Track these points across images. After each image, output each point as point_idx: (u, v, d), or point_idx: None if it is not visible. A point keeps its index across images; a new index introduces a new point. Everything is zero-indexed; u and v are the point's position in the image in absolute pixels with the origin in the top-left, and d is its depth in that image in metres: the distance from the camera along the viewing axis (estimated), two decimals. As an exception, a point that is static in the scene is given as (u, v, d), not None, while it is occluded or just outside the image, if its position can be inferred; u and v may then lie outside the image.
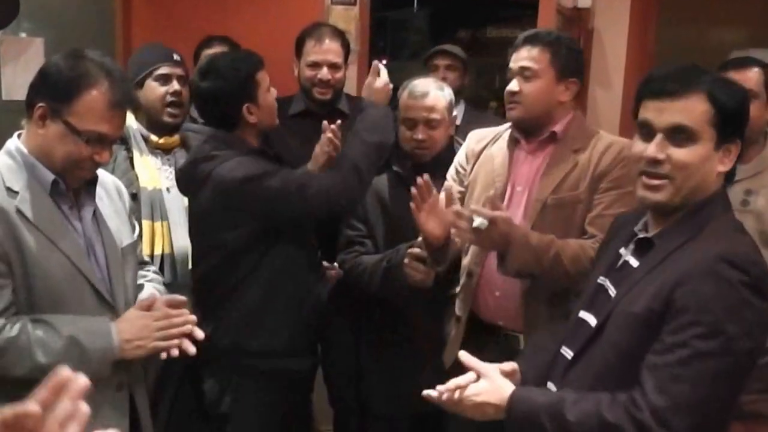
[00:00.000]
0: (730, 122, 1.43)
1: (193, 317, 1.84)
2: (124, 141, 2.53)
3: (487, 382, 1.54)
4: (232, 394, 2.32)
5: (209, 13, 3.56)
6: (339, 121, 2.55)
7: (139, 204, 2.42)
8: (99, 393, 1.72)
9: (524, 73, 2.15)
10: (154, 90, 2.54)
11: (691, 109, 1.42)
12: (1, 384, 1.61)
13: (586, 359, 1.52)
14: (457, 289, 2.33)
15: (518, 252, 1.98)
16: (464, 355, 1.59)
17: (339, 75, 2.89)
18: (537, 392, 1.53)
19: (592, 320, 1.54)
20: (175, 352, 1.78)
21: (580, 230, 2.11)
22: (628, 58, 3.55)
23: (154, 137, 2.56)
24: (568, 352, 1.58)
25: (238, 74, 2.25)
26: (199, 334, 1.82)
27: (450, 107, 2.51)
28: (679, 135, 1.42)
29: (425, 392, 1.57)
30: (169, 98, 2.53)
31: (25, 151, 1.69)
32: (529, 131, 2.22)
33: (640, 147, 1.48)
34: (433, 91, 2.47)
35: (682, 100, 1.42)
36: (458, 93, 3.31)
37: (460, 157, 2.43)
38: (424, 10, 5.94)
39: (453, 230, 2.09)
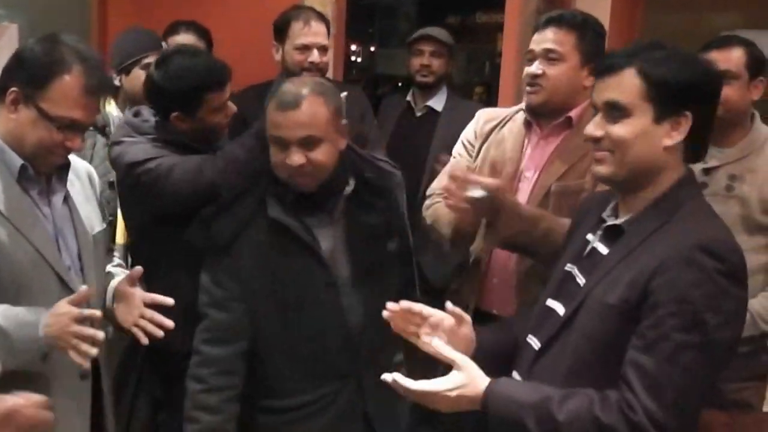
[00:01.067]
0: (670, 95, 1.42)
1: (98, 314, 1.71)
2: (104, 128, 2.51)
3: (463, 375, 1.47)
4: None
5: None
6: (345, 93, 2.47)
7: (116, 192, 2.39)
8: (63, 382, 1.71)
9: (549, 56, 2.07)
10: (141, 78, 2.47)
11: (622, 85, 1.43)
12: None
13: (557, 350, 1.49)
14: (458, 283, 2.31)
15: (508, 220, 1.92)
16: (437, 344, 1.53)
17: (326, 58, 2.88)
18: (515, 387, 1.48)
19: (561, 309, 1.52)
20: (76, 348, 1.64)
21: None
22: (611, 40, 3.50)
23: None
24: (535, 342, 1.55)
25: (181, 84, 2.08)
26: (99, 335, 1.64)
27: (338, 112, 1.88)
28: (614, 111, 1.44)
29: (393, 376, 1.48)
30: None
31: None
32: (545, 116, 2.15)
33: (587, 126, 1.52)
34: (310, 98, 1.81)
35: (614, 77, 1.44)
36: (442, 80, 3.39)
37: (467, 134, 2.35)
38: None
39: (445, 199, 2.00)
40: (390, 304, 1.61)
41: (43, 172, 1.73)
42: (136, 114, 2.24)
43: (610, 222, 1.52)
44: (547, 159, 2.14)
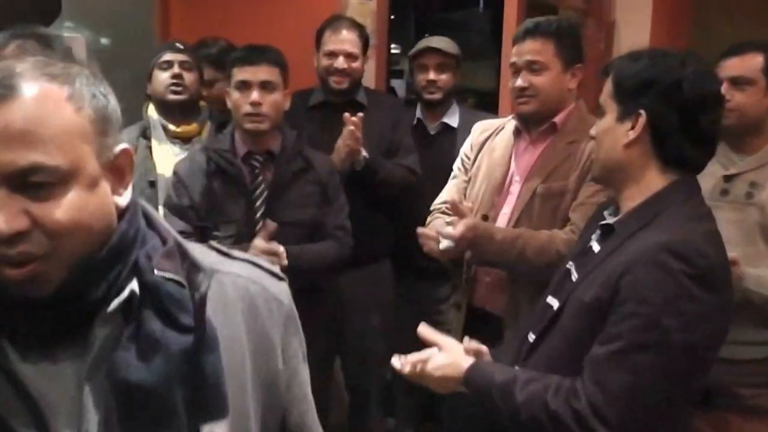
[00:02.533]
0: (626, 93, 1.49)
1: None
2: (145, 131, 2.72)
3: (446, 356, 1.60)
4: None
5: (238, 9, 3.71)
6: (360, 114, 2.66)
7: (156, 191, 2.57)
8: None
9: (532, 67, 2.18)
10: (158, 76, 2.73)
11: (606, 87, 1.54)
12: None
13: (544, 344, 1.55)
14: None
15: (483, 248, 2.08)
16: (423, 329, 1.66)
17: (355, 65, 2.93)
18: (493, 367, 1.57)
19: (555, 304, 1.57)
20: None
21: (565, 220, 2.14)
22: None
23: (172, 126, 2.74)
24: (531, 337, 1.61)
25: None
26: None
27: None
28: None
29: (393, 361, 1.64)
30: (169, 80, 2.70)
31: None
32: (535, 123, 2.26)
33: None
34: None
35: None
36: (451, 94, 3.20)
37: (465, 148, 2.48)
38: (490, 10, 5.78)
39: (423, 245, 2.17)
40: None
41: None
42: None
43: (604, 221, 1.57)
44: (534, 163, 2.23)
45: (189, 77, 2.73)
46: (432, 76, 3.14)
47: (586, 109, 2.29)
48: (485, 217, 2.25)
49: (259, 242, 2.24)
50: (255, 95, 2.34)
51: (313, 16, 3.11)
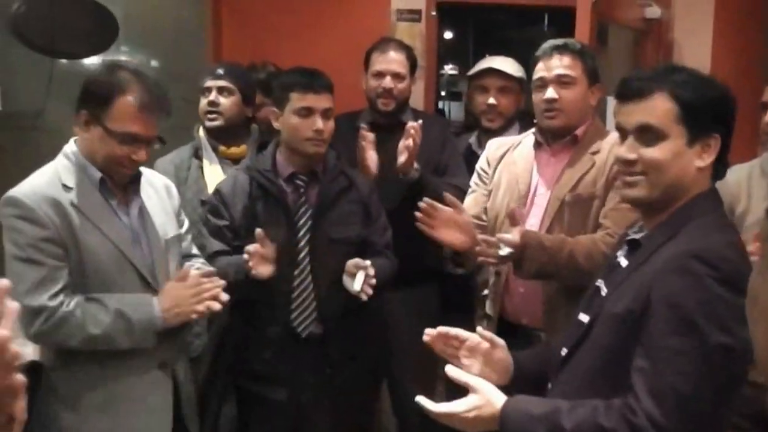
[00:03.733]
0: (700, 118, 1.46)
1: (222, 282, 2.06)
2: (197, 151, 2.80)
3: (478, 397, 1.56)
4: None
5: (287, 31, 3.79)
6: (420, 121, 2.69)
7: (206, 209, 2.64)
8: (143, 371, 1.97)
9: (562, 80, 2.26)
10: (200, 102, 2.84)
11: (655, 108, 1.47)
12: (64, 358, 1.91)
13: (576, 358, 1.56)
14: (485, 291, 2.43)
15: (533, 255, 2.08)
16: (451, 370, 1.64)
17: (402, 86, 2.95)
18: (529, 402, 1.54)
19: (586, 319, 1.59)
20: (201, 309, 2.00)
21: (595, 225, 2.20)
22: (713, 72, 3.47)
23: (222, 147, 2.82)
24: (563, 351, 1.63)
25: None
26: (224, 296, 2.04)
27: None
28: (648, 134, 1.48)
29: (418, 398, 1.62)
30: (206, 107, 2.80)
31: (78, 153, 1.96)
32: (559, 136, 2.33)
33: (616, 149, 1.57)
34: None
35: (644, 101, 1.48)
36: (513, 121, 3.06)
37: (481, 163, 2.55)
38: (555, 28, 5.87)
39: (480, 256, 2.18)
40: (428, 330, 1.75)
41: (119, 183, 2.00)
42: None
43: (631, 236, 1.59)
44: (559, 174, 2.30)
45: (226, 102, 2.81)
46: (492, 100, 3.04)
47: (602, 123, 2.38)
48: None
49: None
50: (320, 123, 2.38)
51: (362, 38, 3.15)
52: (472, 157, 2.97)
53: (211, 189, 2.68)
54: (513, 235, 2.07)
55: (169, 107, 1.98)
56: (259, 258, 2.22)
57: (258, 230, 2.24)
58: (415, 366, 3.01)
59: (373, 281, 2.31)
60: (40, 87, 3.52)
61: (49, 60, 3.53)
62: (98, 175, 1.95)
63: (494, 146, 2.53)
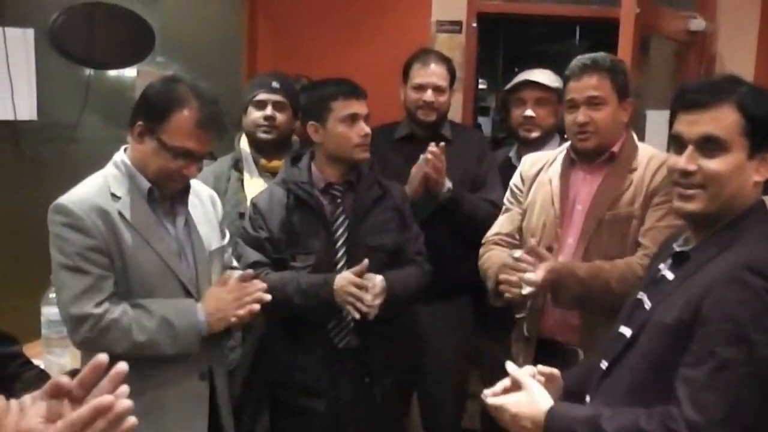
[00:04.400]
0: (763, 132, 1.45)
1: (263, 284, 2.08)
2: (237, 163, 2.78)
3: (526, 395, 1.59)
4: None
5: (323, 43, 3.80)
6: (442, 143, 2.70)
7: (245, 221, 2.63)
8: (183, 379, 1.95)
9: (592, 102, 2.24)
10: (251, 114, 2.83)
11: (721, 119, 1.45)
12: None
13: (618, 369, 1.57)
14: (522, 313, 2.41)
15: (568, 286, 2.09)
16: (510, 366, 1.66)
17: (443, 98, 2.96)
18: (573, 408, 1.56)
19: (628, 333, 1.59)
20: (243, 312, 2.01)
21: (634, 244, 2.19)
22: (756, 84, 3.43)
23: (263, 160, 2.82)
24: (604, 364, 1.63)
25: None
26: (266, 297, 2.05)
27: None
28: (710, 145, 1.46)
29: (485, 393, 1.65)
30: (261, 121, 2.79)
31: (128, 162, 1.97)
32: (593, 156, 2.31)
33: (674, 159, 1.54)
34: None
35: (709, 111, 1.46)
36: (551, 133, 3.05)
37: (515, 180, 2.53)
38: (586, 42, 5.84)
39: (503, 287, 2.19)
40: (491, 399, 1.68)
41: (167, 195, 2.00)
42: None
43: (678, 249, 1.58)
44: (596, 191, 2.29)
45: (281, 117, 2.81)
46: (529, 111, 3.02)
47: (636, 137, 2.36)
48: (549, 249, 2.27)
49: (348, 275, 2.29)
50: (367, 127, 2.44)
51: (402, 50, 3.14)
52: (510, 171, 2.88)
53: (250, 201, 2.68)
54: (536, 275, 2.06)
55: (225, 123, 1.99)
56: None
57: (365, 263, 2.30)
58: (446, 380, 3.02)
59: (377, 302, 2.30)
60: (77, 98, 3.54)
61: (86, 71, 3.55)
62: (147, 185, 1.95)
63: (528, 163, 2.51)
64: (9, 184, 3.29)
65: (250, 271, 2.13)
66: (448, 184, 2.77)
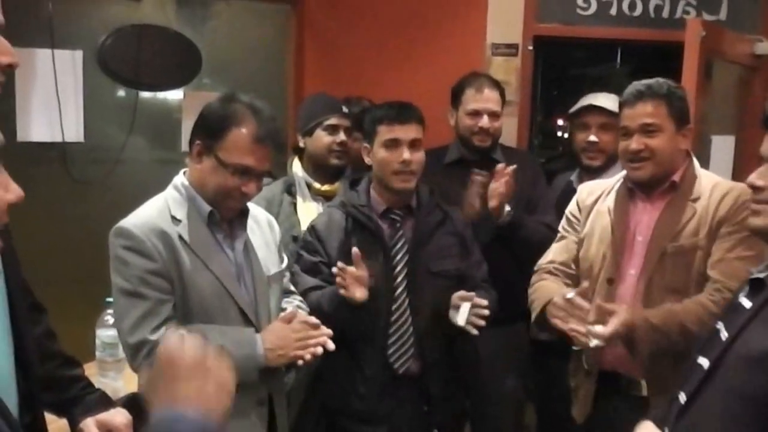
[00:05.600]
0: None
1: (329, 331, 2.02)
2: (290, 187, 2.76)
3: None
4: None
5: (373, 66, 3.75)
6: (514, 166, 2.70)
7: (298, 245, 2.59)
8: (242, 406, 1.89)
9: (647, 129, 2.18)
10: (321, 139, 2.78)
11: None
12: None
13: (700, 403, 1.51)
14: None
15: (645, 337, 2.04)
16: None
17: (498, 124, 2.96)
18: None
19: (706, 364, 1.54)
20: (308, 357, 1.97)
21: (699, 277, 2.14)
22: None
23: (317, 184, 2.79)
24: (682, 396, 1.58)
25: None
26: (330, 345, 2.00)
27: None
28: None
29: None
30: (335, 147, 2.77)
31: (188, 184, 1.95)
32: (651, 186, 2.26)
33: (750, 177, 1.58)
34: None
35: None
36: (615, 158, 2.87)
37: (572, 209, 2.48)
38: (627, 65, 5.79)
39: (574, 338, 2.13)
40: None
41: (227, 217, 1.97)
42: None
43: (755, 276, 1.54)
44: (657, 222, 2.23)
45: (350, 144, 2.81)
46: (593, 137, 2.98)
47: (697, 165, 2.30)
48: (610, 281, 2.24)
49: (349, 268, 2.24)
50: (407, 154, 2.36)
51: (457, 74, 3.10)
52: (572, 195, 2.85)
53: (305, 225, 2.64)
54: (606, 330, 2.00)
55: (283, 140, 1.96)
56: (352, 279, 2.20)
57: (354, 249, 2.23)
58: (501, 410, 2.99)
59: (485, 312, 2.26)
60: (124, 120, 3.55)
61: (133, 93, 3.57)
62: (207, 208, 1.93)
63: (585, 193, 2.46)
64: (57, 205, 3.32)
65: (313, 320, 2.06)
66: (508, 207, 2.75)
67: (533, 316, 2.32)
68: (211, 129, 1.89)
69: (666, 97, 2.18)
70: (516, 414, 3.10)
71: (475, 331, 2.25)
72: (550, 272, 2.40)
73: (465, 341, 2.54)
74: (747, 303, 1.53)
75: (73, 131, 3.40)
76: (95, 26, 3.49)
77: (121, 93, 3.59)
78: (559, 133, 6.60)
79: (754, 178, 1.54)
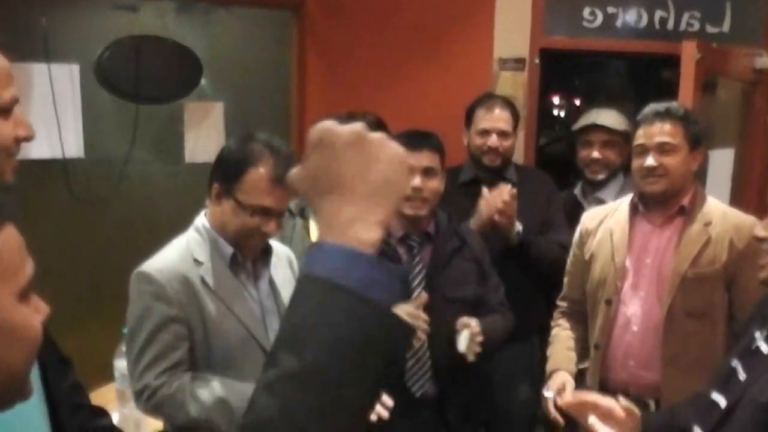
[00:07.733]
0: None
1: (389, 402, 2.04)
2: (303, 211, 2.77)
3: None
4: None
5: (377, 76, 3.73)
6: (514, 190, 2.73)
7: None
8: None
9: (664, 148, 2.27)
10: None
11: None
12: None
13: None
14: (586, 363, 2.45)
15: None
16: (593, 421, 1.70)
17: (508, 143, 2.97)
18: None
19: (723, 403, 1.56)
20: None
21: (722, 302, 2.23)
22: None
23: None
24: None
25: None
26: (384, 414, 2.02)
27: None
28: None
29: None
30: None
31: (209, 226, 1.95)
32: (661, 203, 2.34)
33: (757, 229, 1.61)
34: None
35: None
36: (617, 172, 3.08)
37: (576, 237, 2.57)
38: (626, 77, 5.70)
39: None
40: (567, 399, 1.80)
41: (249, 257, 1.98)
42: None
43: None
44: (671, 246, 2.30)
45: None
46: (596, 154, 3.08)
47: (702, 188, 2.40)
48: (609, 302, 2.34)
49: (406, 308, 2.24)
50: (417, 181, 2.37)
51: (464, 88, 3.13)
52: (577, 208, 3.03)
53: (317, 249, 2.66)
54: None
55: None
56: None
57: (424, 295, 2.24)
58: (514, 424, 3.02)
59: (479, 339, 2.28)
60: (125, 134, 3.53)
61: (133, 105, 3.54)
62: (230, 250, 1.94)
63: (588, 219, 2.54)
64: (61, 224, 3.29)
65: None
66: (519, 227, 2.79)
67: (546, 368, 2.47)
68: (228, 171, 1.88)
69: (683, 119, 2.28)
70: (530, 429, 3.15)
71: (471, 358, 2.27)
72: (565, 314, 2.56)
73: (480, 361, 2.60)
74: (765, 348, 1.53)
75: (74, 147, 3.37)
76: (92, 38, 3.44)
77: (122, 106, 3.56)
78: (555, 112, 6.67)
79: (759, 229, 1.58)
